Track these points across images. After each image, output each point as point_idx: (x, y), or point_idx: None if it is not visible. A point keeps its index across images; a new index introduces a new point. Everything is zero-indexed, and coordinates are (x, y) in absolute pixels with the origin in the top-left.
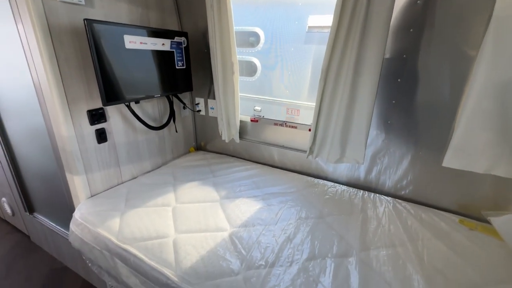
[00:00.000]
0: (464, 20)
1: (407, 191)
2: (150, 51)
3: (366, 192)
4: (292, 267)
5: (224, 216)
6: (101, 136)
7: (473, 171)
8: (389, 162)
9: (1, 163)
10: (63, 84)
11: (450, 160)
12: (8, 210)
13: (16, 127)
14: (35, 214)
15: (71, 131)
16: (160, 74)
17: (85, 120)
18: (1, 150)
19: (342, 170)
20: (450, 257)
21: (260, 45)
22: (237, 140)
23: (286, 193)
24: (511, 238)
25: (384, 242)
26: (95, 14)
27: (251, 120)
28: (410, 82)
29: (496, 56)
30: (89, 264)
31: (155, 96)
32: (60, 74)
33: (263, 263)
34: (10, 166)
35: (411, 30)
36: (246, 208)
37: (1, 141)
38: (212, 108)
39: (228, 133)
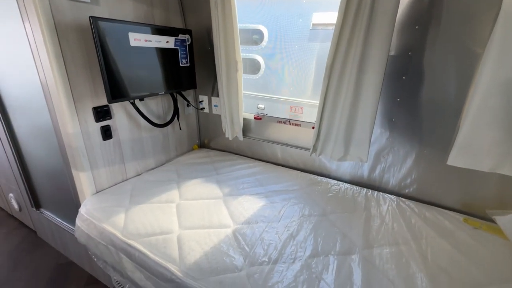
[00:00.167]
0: (471, 17)
1: (411, 189)
2: (155, 48)
3: (370, 190)
4: (295, 264)
5: (227, 213)
6: (106, 133)
7: (478, 170)
8: (393, 160)
9: (8, 160)
10: (69, 81)
11: (455, 159)
12: (16, 206)
13: (23, 124)
14: (42, 209)
15: (77, 128)
16: (164, 72)
17: (90, 117)
18: (9, 147)
19: (346, 168)
20: (454, 255)
21: (264, 42)
22: (241, 137)
23: (289, 190)
24: None
25: (388, 240)
26: (100, 11)
27: (255, 118)
28: (415, 80)
29: (503, 53)
30: (95, 259)
31: (159, 93)
32: (66, 72)
33: (266, 259)
34: (17, 163)
35: (417, 27)
36: (249, 205)
37: (9, 138)
38: (215, 106)
39: (231, 131)
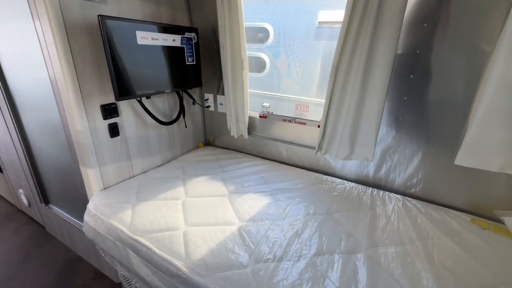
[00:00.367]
0: (481, 14)
1: (417, 189)
2: (161, 47)
3: (375, 189)
4: (300, 262)
5: (232, 210)
6: (114, 131)
7: (486, 170)
8: (399, 160)
9: (18, 156)
10: (77, 79)
11: (463, 158)
12: (25, 201)
13: (32, 121)
14: (50, 205)
15: (85, 125)
16: (170, 70)
17: (98, 114)
18: (19, 143)
19: (351, 167)
20: (460, 256)
21: (269, 41)
22: (246, 136)
23: (294, 189)
24: None
25: (393, 239)
26: (108, 10)
27: (260, 116)
28: (423, 78)
29: None
30: (102, 254)
31: (166, 91)
32: (75, 70)
33: (271, 257)
34: (27, 159)
35: (425, 24)
36: (254, 203)
37: (19, 135)
38: (221, 104)
39: (236, 129)
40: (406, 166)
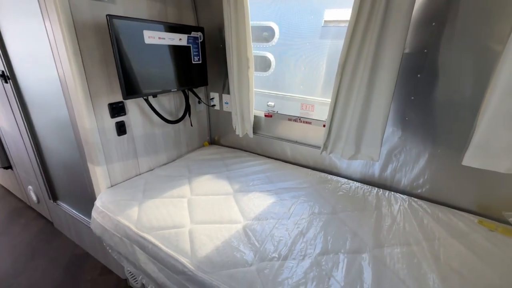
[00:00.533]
0: (490, 13)
1: (423, 189)
2: (168, 46)
3: (381, 189)
4: (304, 261)
5: (237, 208)
6: (121, 129)
7: (494, 171)
8: (405, 160)
9: (28, 154)
10: (86, 78)
11: (471, 159)
12: (34, 198)
13: (42, 119)
14: (58, 202)
15: (93, 123)
16: (177, 69)
17: (106, 113)
18: (28, 141)
19: (356, 166)
20: (468, 257)
21: (275, 40)
22: (251, 135)
23: (299, 188)
24: None
25: (399, 240)
26: (116, 10)
27: (265, 115)
28: (431, 78)
29: None
30: (109, 250)
31: (172, 90)
32: (84, 69)
33: (276, 255)
34: (36, 156)
35: (434, 23)
36: (259, 201)
37: (29, 133)
38: (226, 103)
39: (242, 128)
40: (412, 167)
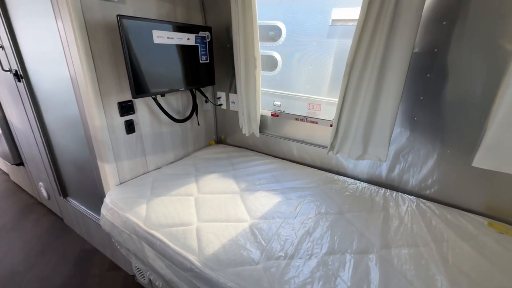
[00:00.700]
0: (503, 11)
1: (431, 190)
2: (176, 45)
3: (388, 190)
4: (311, 260)
5: (244, 207)
6: (130, 127)
7: (505, 172)
8: (413, 160)
9: (39, 151)
10: (97, 77)
11: (481, 160)
12: (45, 194)
13: (53, 117)
14: (68, 198)
15: (103, 121)
16: (185, 68)
17: (115, 111)
18: (40, 138)
19: (363, 167)
20: (477, 260)
21: (282, 39)
22: (257, 134)
23: (305, 188)
24: None
25: (406, 241)
26: (126, 10)
27: (272, 115)
28: (440, 78)
29: None
30: (118, 246)
31: (180, 89)
32: (94, 68)
33: (283, 254)
34: (47, 154)
35: (444, 22)
36: (266, 201)
37: (40, 130)
38: (233, 102)
39: (248, 127)
40: (421, 167)
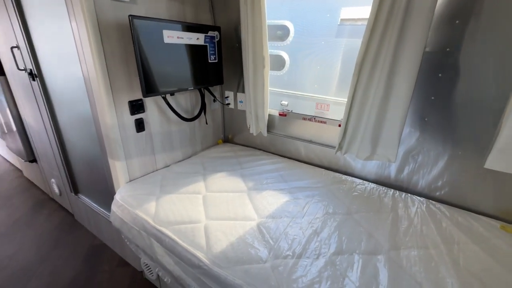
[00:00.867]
0: None
1: (442, 192)
2: (185, 45)
3: (397, 191)
4: (319, 260)
5: (251, 206)
6: (140, 126)
7: None
8: (423, 161)
9: (52, 148)
10: (109, 76)
11: (494, 162)
12: (56, 190)
13: (66, 115)
14: (79, 195)
15: (114, 120)
16: (194, 68)
17: (126, 110)
18: (53, 136)
19: (371, 167)
20: (489, 263)
21: (290, 38)
22: (265, 133)
23: (313, 187)
24: None
25: (416, 242)
26: (138, 10)
27: (280, 114)
28: (453, 78)
29: None
30: (127, 242)
31: (189, 88)
32: (107, 67)
33: (290, 253)
34: (60, 151)
35: (457, 21)
36: (273, 200)
37: (53, 128)
38: (241, 102)
39: (256, 127)
40: (431, 169)
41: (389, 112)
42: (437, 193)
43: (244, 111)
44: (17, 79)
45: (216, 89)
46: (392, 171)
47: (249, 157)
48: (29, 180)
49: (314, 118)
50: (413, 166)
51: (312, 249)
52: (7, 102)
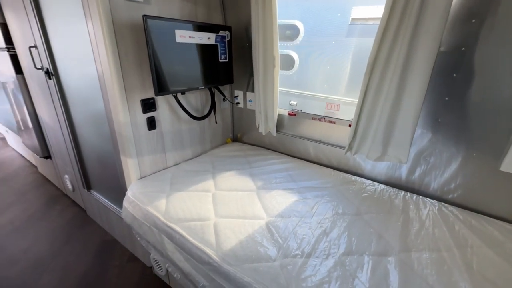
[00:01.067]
0: None
1: (455, 195)
2: (196, 45)
3: (408, 193)
4: (328, 260)
5: (260, 205)
6: (151, 124)
7: None
8: (435, 163)
9: (66, 145)
10: (122, 75)
11: (510, 165)
12: (70, 186)
13: (80, 113)
14: (92, 191)
15: (127, 118)
16: (204, 67)
17: (138, 108)
18: (67, 133)
19: (382, 168)
20: (503, 267)
21: (299, 38)
22: (274, 133)
23: (322, 188)
24: None
25: (428, 245)
26: (151, 10)
27: (289, 114)
28: (468, 78)
29: None
30: (138, 238)
31: (199, 88)
32: (121, 66)
33: (299, 253)
34: (73, 148)
35: (474, 20)
36: (282, 199)
37: (68, 125)
38: (250, 101)
39: (265, 126)
40: (443, 170)
41: (401, 112)
42: (450, 196)
43: (253, 111)
44: (34, 78)
45: (225, 88)
46: (403, 172)
47: (258, 157)
48: (44, 176)
49: (324, 118)
50: (424, 167)
51: (321, 249)
52: (24, 99)
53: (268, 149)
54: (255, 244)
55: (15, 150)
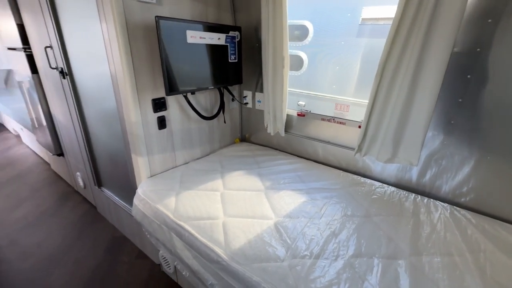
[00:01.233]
0: None
1: (467, 198)
2: (207, 45)
3: (419, 196)
4: (337, 261)
5: (269, 205)
6: (162, 123)
7: None
8: (446, 166)
9: (78, 143)
10: (134, 75)
11: None
12: (81, 183)
13: (92, 112)
14: (102, 188)
15: (138, 117)
16: (214, 67)
17: (149, 108)
18: (80, 131)
19: (392, 170)
20: None
21: (308, 38)
22: (283, 133)
23: (330, 189)
24: None
25: (439, 249)
26: (163, 11)
27: (298, 115)
28: (482, 79)
29: None
30: (148, 236)
31: (209, 88)
32: (133, 66)
33: (308, 253)
34: (86, 146)
35: (490, 20)
36: (290, 200)
37: (80, 124)
38: (259, 101)
39: (273, 127)
40: (455, 173)
41: (413, 113)
42: (462, 199)
43: (261, 111)
44: (49, 77)
45: (234, 89)
46: (413, 174)
47: (266, 157)
48: (56, 173)
49: (333, 119)
50: (436, 170)
51: (330, 250)
52: (39, 98)
53: (276, 149)
54: (263, 244)
55: (29, 147)
